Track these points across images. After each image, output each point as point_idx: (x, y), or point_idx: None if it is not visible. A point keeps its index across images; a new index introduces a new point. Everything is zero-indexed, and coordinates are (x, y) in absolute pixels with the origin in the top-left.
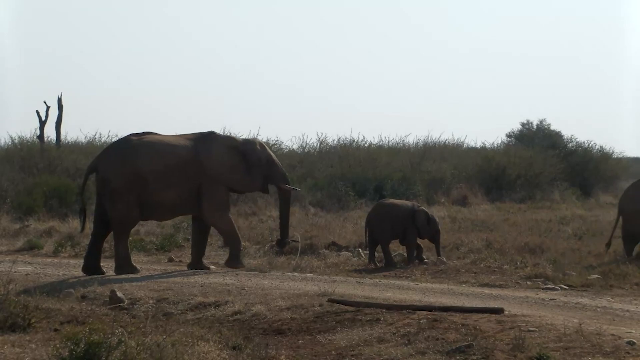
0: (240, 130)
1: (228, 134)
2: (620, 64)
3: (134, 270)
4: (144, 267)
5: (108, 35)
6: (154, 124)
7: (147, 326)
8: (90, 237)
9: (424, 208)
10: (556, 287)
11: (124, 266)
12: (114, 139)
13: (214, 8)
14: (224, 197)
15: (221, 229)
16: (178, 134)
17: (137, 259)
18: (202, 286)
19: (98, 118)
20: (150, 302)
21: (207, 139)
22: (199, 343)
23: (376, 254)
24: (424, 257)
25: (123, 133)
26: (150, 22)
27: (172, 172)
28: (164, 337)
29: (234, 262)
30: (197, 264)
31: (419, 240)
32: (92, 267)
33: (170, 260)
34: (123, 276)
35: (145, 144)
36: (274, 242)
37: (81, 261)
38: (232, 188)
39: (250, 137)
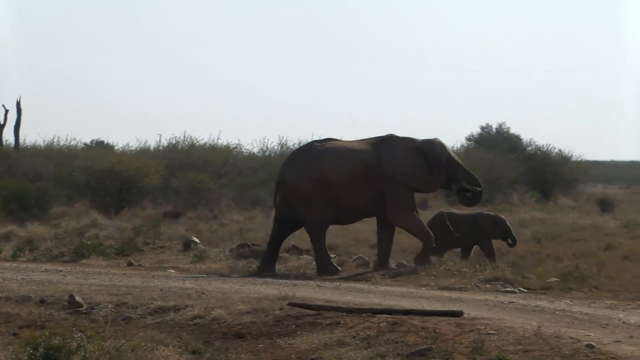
0: (201, 134)
1: (407, 136)
2: (578, 67)
3: (334, 270)
4: (102, 272)
5: (67, 40)
6: (113, 128)
7: (107, 330)
8: (269, 239)
9: (487, 212)
10: (515, 290)
11: (325, 266)
12: (72, 143)
13: (174, 11)
14: (407, 198)
15: (410, 230)
16: (358, 139)
17: (95, 263)
18: (161, 290)
19: (56, 122)
20: (110, 306)
21: (387, 142)
22: (158, 347)
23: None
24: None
25: (83, 137)
26: (109, 26)
27: (356, 176)
28: (124, 341)
29: (421, 259)
30: (383, 264)
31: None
32: (268, 268)
33: (130, 264)
34: (81, 280)
35: (330, 150)
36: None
37: (39, 265)
38: (414, 188)
39: (431, 138)
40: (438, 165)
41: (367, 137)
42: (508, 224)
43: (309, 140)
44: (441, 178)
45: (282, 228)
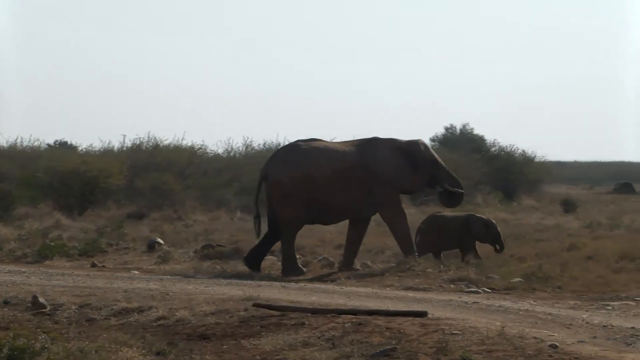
0: (165, 135)
1: (390, 137)
2: (542, 68)
3: (299, 271)
4: (65, 273)
5: (29, 40)
6: (76, 129)
7: (70, 332)
8: (263, 236)
9: (479, 215)
10: (479, 290)
11: (291, 266)
12: (35, 143)
13: (138, 10)
14: (398, 198)
15: (397, 230)
16: (342, 141)
17: (59, 264)
18: (125, 291)
19: (19, 122)
20: (73, 307)
21: (372, 143)
22: (122, 349)
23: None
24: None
25: (46, 138)
26: (71, 26)
27: (341, 176)
28: (87, 342)
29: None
30: (348, 265)
31: None
32: (254, 262)
33: (93, 265)
34: (45, 282)
35: (315, 150)
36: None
37: (3, 266)
38: (400, 189)
39: (414, 138)
40: (423, 165)
41: (337, 139)
42: (498, 229)
43: (273, 142)
44: (425, 178)
45: (274, 227)
